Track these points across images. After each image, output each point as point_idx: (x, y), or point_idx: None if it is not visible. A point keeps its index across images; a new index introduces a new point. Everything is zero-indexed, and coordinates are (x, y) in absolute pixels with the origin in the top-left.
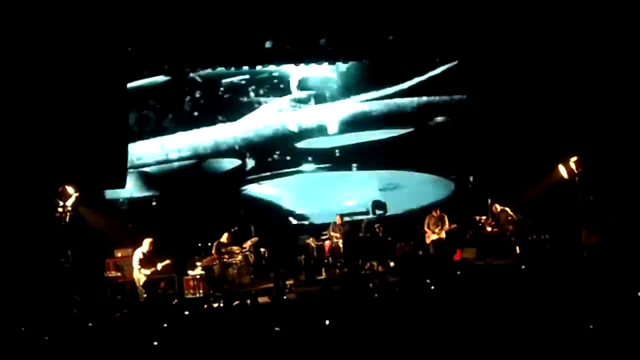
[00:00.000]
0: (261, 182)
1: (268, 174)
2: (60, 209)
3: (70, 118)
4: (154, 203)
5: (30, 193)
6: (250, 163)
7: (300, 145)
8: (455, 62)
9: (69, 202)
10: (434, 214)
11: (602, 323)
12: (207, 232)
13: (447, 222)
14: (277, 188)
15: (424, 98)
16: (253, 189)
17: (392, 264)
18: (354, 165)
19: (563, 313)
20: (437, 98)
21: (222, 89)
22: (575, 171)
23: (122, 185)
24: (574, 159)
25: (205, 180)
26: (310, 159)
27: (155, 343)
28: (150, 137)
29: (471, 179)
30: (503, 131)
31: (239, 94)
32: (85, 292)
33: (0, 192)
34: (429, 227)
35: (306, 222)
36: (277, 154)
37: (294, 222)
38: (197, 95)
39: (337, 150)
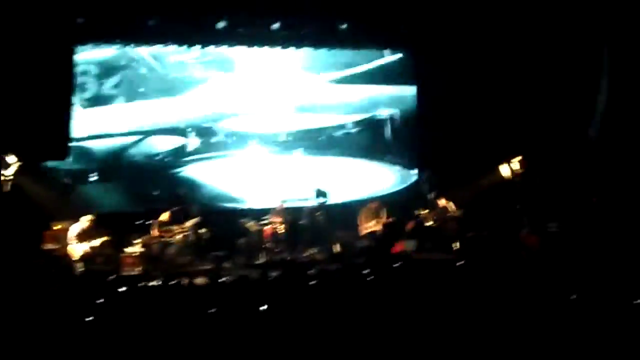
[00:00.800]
0: (204, 162)
1: (211, 154)
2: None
3: (13, 87)
4: (94, 177)
5: None
6: (194, 142)
7: (244, 127)
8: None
9: (9, 172)
10: (370, 206)
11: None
12: (146, 210)
13: (384, 215)
14: (220, 169)
15: (375, 87)
16: (195, 169)
17: (336, 249)
18: (300, 150)
19: (495, 311)
20: (387, 88)
21: (170, 65)
22: (518, 171)
23: (63, 157)
24: (518, 159)
25: (146, 157)
26: (255, 141)
27: (89, 319)
28: (89, 106)
29: (417, 171)
30: (451, 126)
31: (186, 72)
32: (20, 264)
33: None
34: (364, 220)
35: (247, 206)
36: (222, 135)
37: (235, 205)
38: (143, 70)
39: (283, 135)
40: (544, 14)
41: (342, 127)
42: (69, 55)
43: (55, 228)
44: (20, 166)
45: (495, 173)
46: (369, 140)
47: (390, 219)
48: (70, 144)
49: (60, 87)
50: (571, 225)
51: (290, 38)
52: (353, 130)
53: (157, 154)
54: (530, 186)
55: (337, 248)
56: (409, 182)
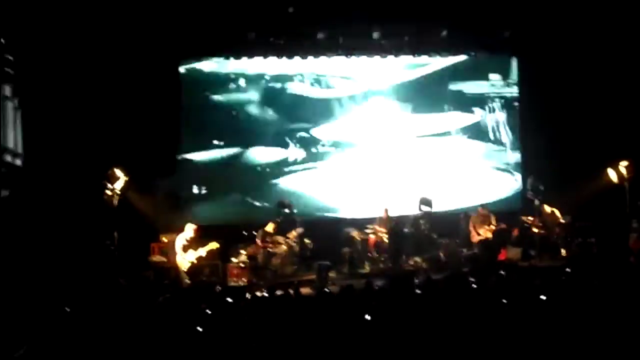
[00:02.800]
0: (306, 172)
1: (313, 164)
2: (108, 192)
3: (126, 103)
4: (200, 190)
5: (81, 175)
6: (296, 153)
7: (346, 136)
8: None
9: (118, 185)
10: (480, 212)
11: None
12: (251, 221)
13: (493, 222)
14: (322, 179)
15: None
16: (298, 179)
17: (442, 257)
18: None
19: (605, 318)
20: (495, 88)
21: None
22: (625, 176)
23: (172, 172)
24: (625, 163)
25: (248, 168)
26: (357, 150)
27: (199, 329)
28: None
29: (530, 180)
30: (557, 131)
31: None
32: (129, 276)
33: (51, 173)
34: (474, 227)
35: (351, 215)
36: (323, 144)
37: (339, 214)
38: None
39: (385, 142)
40: None
41: (447, 133)
42: (175, 71)
43: (163, 240)
44: (128, 181)
45: (602, 178)
46: (474, 146)
47: (500, 226)
48: (177, 158)
49: (168, 103)
50: None
51: (389, 46)
52: (457, 136)
53: (259, 165)
54: (639, 190)
55: (442, 256)
56: (514, 189)
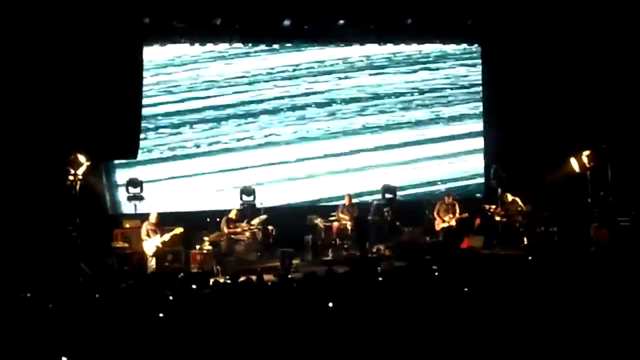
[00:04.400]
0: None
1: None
2: (71, 177)
3: (85, 86)
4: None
5: (42, 160)
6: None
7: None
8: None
9: (80, 171)
10: (445, 200)
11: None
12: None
13: (457, 210)
14: (284, 168)
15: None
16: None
17: (404, 245)
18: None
19: (564, 307)
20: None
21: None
22: (587, 165)
23: (134, 156)
24: (587, 153)
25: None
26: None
27: (161, 315)
28: None
29: (493, 168)
30: (519, 120)
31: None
32: (92, 262)
33: (13, 158)
34: (439, 214)
35: (315, 203)
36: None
37: (302, 202)
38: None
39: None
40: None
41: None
42: (137, 54)
43: (126, 226)
44: (90, 165)
45: (564, 167)
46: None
47: (463, 215)
48: (139, 142)
49: (129, 86)
50: None
51: (355, 35)
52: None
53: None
54: (601, 180)
55: (405, 244)
56: (477, 177)
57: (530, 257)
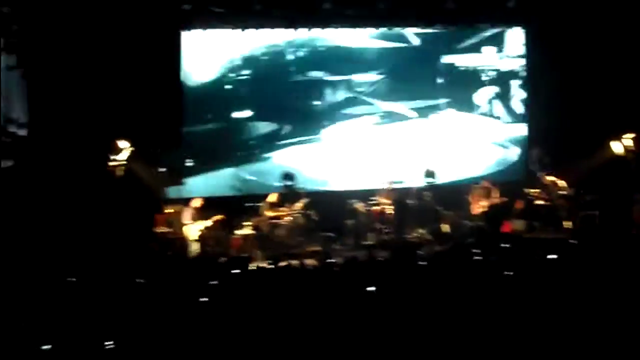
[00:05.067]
0: (304, 145)
1: (309, 137)
2: (112, 163)
3: (126, 75)
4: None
5: (85, 146)
6: (288, 126)
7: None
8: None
9: (122, 157)
10: (483, 184)
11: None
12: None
13: (495, 195)
14: (321, 152)
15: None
16: (292, 153)
17: (445, 229)
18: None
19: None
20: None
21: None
22: (631, 148)
23: (178, 144)
24: (631, 136)
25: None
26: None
27: (203, 299)
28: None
29: (535, 152)
30: (562, 103)
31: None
32: (134, 247)
33: (56, 144)
34: (475, 200)
35: (355, 187)
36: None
37: (343, 186)
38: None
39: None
40: None
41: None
42: (176, 40)
43: (167, 211)
44: (132, 152)
45: (607, 150)
46: (470, 119)
47: (501, 199)
48: (182, 131)
49: (172, 75)
50: None
51: (396, 18)
52: (453, 110)
53: (252, 138)
54: None
55: (446, 228)
56: (518, 161)
57: (572, 241)
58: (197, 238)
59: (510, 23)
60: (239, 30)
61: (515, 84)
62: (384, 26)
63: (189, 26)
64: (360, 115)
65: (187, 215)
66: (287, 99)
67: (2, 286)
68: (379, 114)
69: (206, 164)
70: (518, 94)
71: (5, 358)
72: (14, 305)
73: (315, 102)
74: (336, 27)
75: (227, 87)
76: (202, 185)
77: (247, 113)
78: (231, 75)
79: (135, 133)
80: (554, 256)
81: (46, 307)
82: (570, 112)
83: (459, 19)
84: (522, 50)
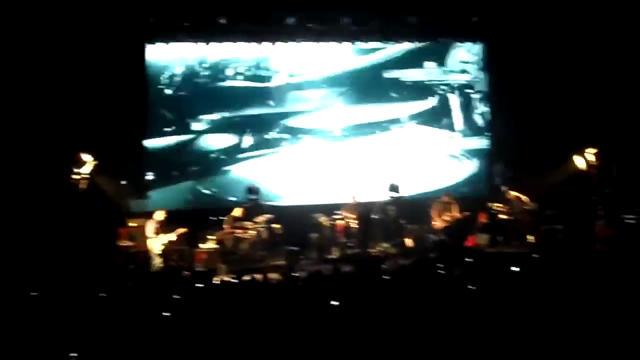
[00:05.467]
0: (265, 157)
1: (270, 150)
2: (75, 176)
3: (89, 87)
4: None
5: (48, 159)
6: (248, 140)
7: (307, 123)
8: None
9: (85, 170)
10: (443, 199)
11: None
12: (207, 207)
13: (456, 209)
14: (283, 165)
15: (444, 74)
16: (252, 167)
17: (409, 243)
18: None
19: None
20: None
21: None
22: (593, 163)
23: (139, 157)
24: (593, 150)
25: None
26: (318, 137)
27: (166, 314)
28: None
29: (498, 166)
30: (524, 118)
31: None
32: (97, 261)
33: (18, 156)
34: (436, 214)
35: (319, 202)
36: (276, 131)
37: (306, 200)
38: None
39: (344, 128)
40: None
41: (397, 120)
42: (141, 53)
43: (130, 225)
44: (95, 165)
45: (569, 165)
46: (428, 133)
47: (464, 213)
48: (144, 144)
49: (135, 86)
50: None
51: (359, 33)
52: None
53: (212, 152)
54: (606, 177)
55: (409, 242)
56: (480, 175)
57: (535, 255)
58: (160, 252)
59: (473, 38)
60: (202, 44)
61: (475, 97)
62: (347, 41)
63: (154, 39)
64: (320, 131)
65: (150, 228)
66: (247, 112)
67: None
68: (341, 128)
69: (167, 178)
70: (479, 107)
71: None
72: None
73: (274, 115)
74: (299, 42)
75: (187, 98)
76: (163, 198)
77: (206, 125)
78: (191, 86)
79: (98, 145)
80: (517, 269)
81: (9, 321)
82: (532, 127)
83: (422, 34)
84: (476, 65)
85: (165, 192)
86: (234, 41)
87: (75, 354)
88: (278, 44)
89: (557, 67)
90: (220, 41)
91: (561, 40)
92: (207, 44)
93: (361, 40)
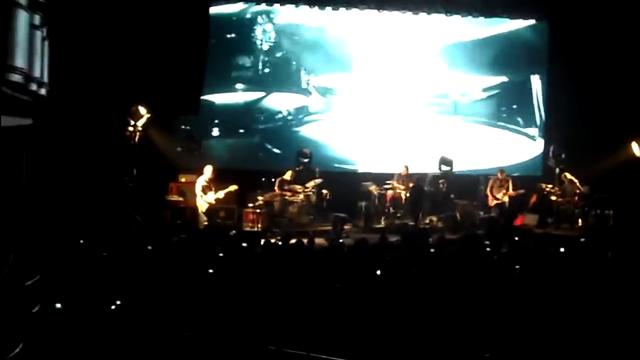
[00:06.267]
0: (328, 122)
1: (334, 114)
2: (130, 128)
3: (154, 39)
4: (217, 133)
5: (104, 109)
6: (316, 103)
7: (370, 91)
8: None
9: (140, 122)
10: (498, 176)
11: None
12: (269, 167)
13: (510, 187)
14: (343, 131)
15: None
16: (318, 129)
17: (457, 218)
18: (426, 115)
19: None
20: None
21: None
22: None
23: (195, 111)
24: None
25: (269, 115)
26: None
27: (210, 271)
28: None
29: (552, 147)
30: (583, 101)
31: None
32: (146, 213)
33: (75, 105)
34: (491, 191)
35: (370, 170)
36: (346, 96)
37: (358, 167)
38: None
39: (411, 99)
40: None
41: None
42: (204, 12)
43: (181, 180)
44: (150, 118)
45: (625, 151)
46: (498, 108)
47: (519, 192)
48: (201, 99)
49: (196, 43)
50: None
51: (423, 3)
52: (481, 97)
53: (280, 112)
54: None
55: (458, 217)
56: (536, 156)
57: (583, 239)
58: (207, 209)
59: (536, 16)
60: (264, 5)
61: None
62: (409, 11)
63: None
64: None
65: (199, 185)
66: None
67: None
68: (399, 101)
69: (231, 135)
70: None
71: None
72: (28, 262)
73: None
74: (362, 9)
75: (252, 59)
76: (225, 156)
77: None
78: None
79: (154, 98)
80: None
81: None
82: (590, 110)
83: (485, 8)
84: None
85: (232, 148)
86: (296, 4)
87: (118, 302)
88: (341, 9)
89: (620, 51)
90: (282, 3)
91: (626, 23)
92: (269, 5)
93: (423, 12)
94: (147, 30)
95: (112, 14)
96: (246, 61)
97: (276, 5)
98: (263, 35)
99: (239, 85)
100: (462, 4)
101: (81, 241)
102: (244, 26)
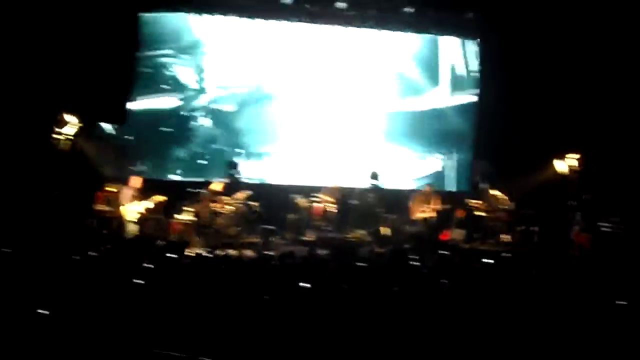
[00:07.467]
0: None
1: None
2: (57, 137)
3: (78, 49)
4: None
5: (30, 117)
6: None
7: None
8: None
9: (67, 131)
10: (425, 191)
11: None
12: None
13: (437, 202)
14: (272, 143)
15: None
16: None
17: (385, 232)
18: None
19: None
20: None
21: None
22: (575, 168)
23: (122, 121)
24: (576, 156)
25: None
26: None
27: (136, 281)
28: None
29: (480, 163)
30: (510, 117)
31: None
32: (72, 222)
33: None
34: (418, 206)
35: (299, 182)
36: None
37: (287, 180)
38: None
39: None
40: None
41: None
42: (133, 20)
43: (108, 189)
44: (79, 126)
45: (551, 168)
46: (425, 126)
47: (444, 206)
48: (128, 108)
49: (124, 51)
50: (626, 226)
51: (354, 17)
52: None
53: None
54: (586, 184)
55: (386, 231)
56: (462, 171)
57: (506, 254)
58: (135, 219)
59: (469, 34)
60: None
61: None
62: (340, 24)
63: (148, 7)
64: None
65: (127, 195)
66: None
67: None
68: (330, 114)
69: (156, 145)
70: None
71: None
72: None
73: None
74: (293, 22)
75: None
76: (151, 166)
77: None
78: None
79: (80, 106)
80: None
81: None
82: (518, 126)
83: (417, 25)
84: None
85: (157, 159)
86: (225, 14)
87: (45, 312)
88: (271, 21)
89: (549, 70)
90: (212, 14)
91: (556, 43)
92: (199, 15)
93: (354, 26)
94: (74, 35)
95: (39, 19)
96: (174, 71)
97: (205, 16)
98: (190, 47)
99: (166, 96)
100: (394, 19)
101: (6, 250)
102: (173, 37)
